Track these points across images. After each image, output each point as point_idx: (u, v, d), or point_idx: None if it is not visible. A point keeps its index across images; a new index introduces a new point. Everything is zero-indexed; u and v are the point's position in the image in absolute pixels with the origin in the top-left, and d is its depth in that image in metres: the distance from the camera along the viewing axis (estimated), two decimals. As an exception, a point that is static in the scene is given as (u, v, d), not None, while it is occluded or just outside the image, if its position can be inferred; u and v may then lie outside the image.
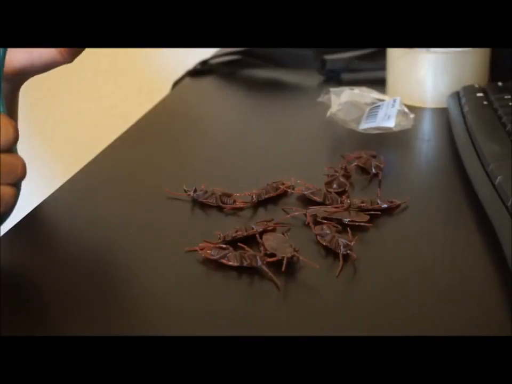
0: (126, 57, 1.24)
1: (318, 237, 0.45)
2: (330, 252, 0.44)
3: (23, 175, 0.44)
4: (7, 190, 0.43)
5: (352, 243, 0.43)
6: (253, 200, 0.51)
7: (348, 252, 0.43)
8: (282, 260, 0.41)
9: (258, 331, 0.37)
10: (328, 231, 0.45)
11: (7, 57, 0.52)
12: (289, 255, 0.42)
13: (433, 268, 0.42)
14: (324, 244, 0.44)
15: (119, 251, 0.46)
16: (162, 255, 0.45)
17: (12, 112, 0.65)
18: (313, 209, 0.48)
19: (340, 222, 0.47)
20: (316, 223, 0.47)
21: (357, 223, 0.47)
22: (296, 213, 0.49)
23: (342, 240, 0.43)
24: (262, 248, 0.44)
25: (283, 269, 0.41)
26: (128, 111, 1.02)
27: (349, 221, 0.47)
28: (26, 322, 0.38)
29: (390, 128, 0.62)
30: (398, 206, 0.49)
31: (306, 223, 0.47)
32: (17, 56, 0.59)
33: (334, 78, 0.84)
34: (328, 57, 0.85)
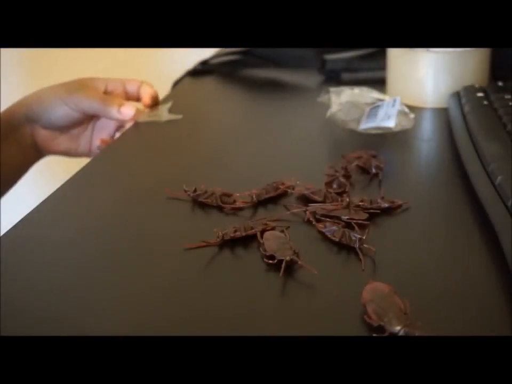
0: (126, 57, 1.24)
1: (327, 233, 0.45)
2: (330, 251, 0.44)
3: None
4: None
5: (364, 236, 0.43)
6: (253, 200, 0.51)
7: (363, 245, 0.43)
8: (281, 262, 0.41)
9: (258, 331, 0.37)
10: (335, 227, 0.45)
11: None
12: (288, 258, 0.41)
13: (433, 268, 0.42)
14: (336, 240, 0.44)
15: (118, 251, 0.46)
16: (162, 255, 0.45)
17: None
18: (313, 207, 0.48)
19: (338, 219, 0.47)
20: (316, 220, 0.47)
21: (355, 221, 0.47)
22: (297, 210, 0.48)
23: (354, 235, 0.43)
24: (261, 248, 0.44)
25: (281, 273, 0.41)
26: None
27: (347, 218, 0.47)
28: (26, 322, 0.38)
29: (390, 128, 0.62)
30: (399, 206, 0.49)
31: (306, 219, 0.47)
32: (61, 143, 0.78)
33: (334, 78, 0.84)
34: (328, 57, 0.85)
